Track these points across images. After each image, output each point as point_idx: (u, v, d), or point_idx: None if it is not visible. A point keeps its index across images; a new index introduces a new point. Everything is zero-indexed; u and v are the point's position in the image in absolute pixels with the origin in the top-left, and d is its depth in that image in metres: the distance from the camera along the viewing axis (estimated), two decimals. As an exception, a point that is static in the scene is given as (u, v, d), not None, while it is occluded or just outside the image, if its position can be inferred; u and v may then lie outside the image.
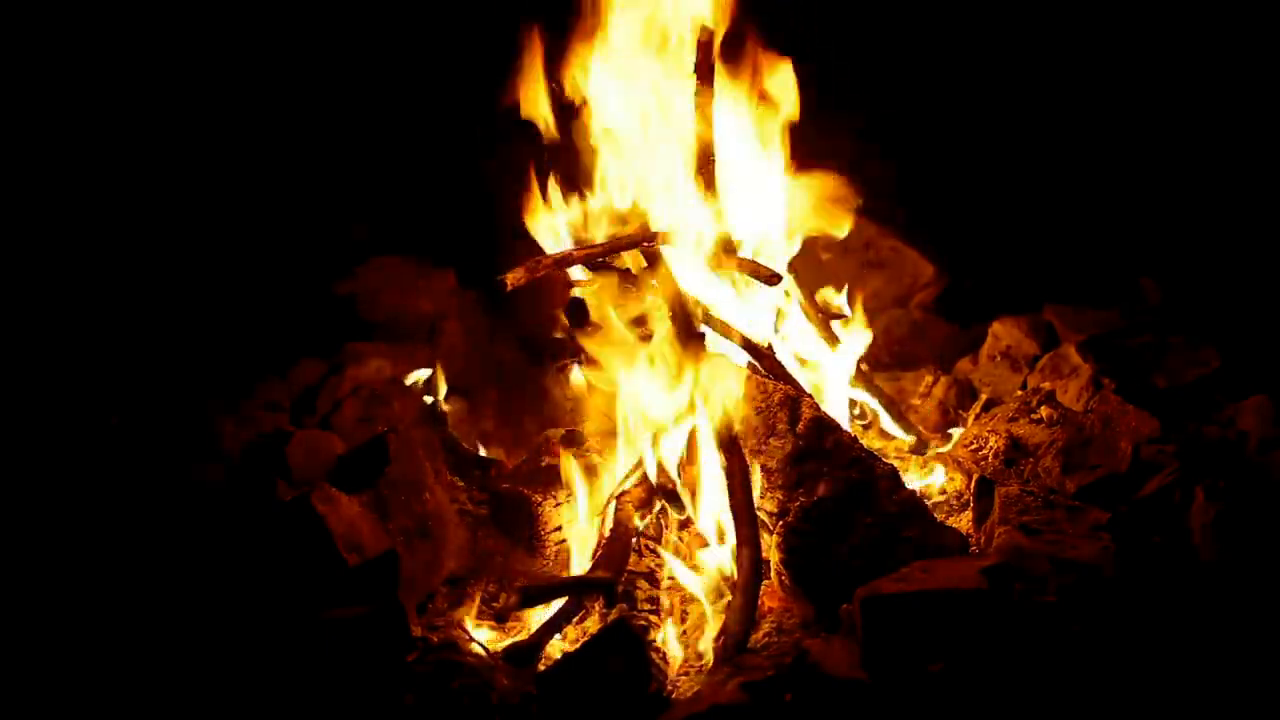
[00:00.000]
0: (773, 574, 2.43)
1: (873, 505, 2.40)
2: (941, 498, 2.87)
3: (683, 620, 2.46)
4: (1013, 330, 3.45)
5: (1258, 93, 3.92)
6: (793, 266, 3.10)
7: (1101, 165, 4.08)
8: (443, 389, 3.41)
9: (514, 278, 2.76)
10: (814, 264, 3.44)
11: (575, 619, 2.41)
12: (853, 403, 3.19)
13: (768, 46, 2.96)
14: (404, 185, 4.19)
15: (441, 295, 3.94)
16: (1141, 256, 3.75)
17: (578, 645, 2.23)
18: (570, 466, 2.73)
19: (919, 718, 1.88)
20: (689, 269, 2.88)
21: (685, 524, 2.66)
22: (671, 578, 2.56)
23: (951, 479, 2.92)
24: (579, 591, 2.42)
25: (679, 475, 2.62)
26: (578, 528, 2.66)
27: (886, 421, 3.18)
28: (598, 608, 2.42)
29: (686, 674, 2.29)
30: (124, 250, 3.87)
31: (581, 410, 3.02)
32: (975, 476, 2.72)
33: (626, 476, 2.68)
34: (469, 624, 2.43)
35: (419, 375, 3.44)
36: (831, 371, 3.12)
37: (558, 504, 2.75)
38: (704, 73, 2.82)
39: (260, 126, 4.16)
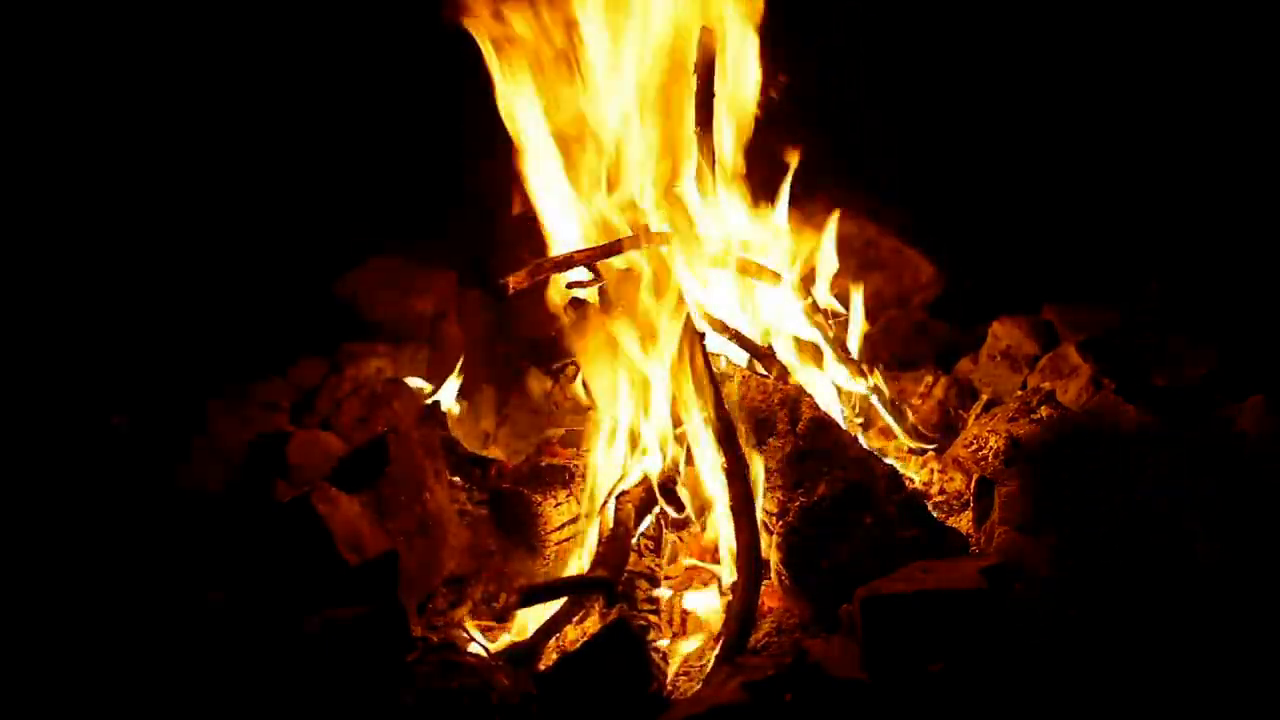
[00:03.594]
0: (773, 574, 2.43)
1: (873, 505, 2.40)
2: (941, 498, 2.87)
3: (683, 620, 2.46)
4: (1013, 330, 3.45)
5: (1258, 93, 3.92)
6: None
7: (1101, 165, 4.08)
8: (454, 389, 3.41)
9: (516, 280, 2.77)
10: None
11: (575, 619, 2.41)
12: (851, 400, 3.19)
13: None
14: (404, 185, 4.19)
15: (441, 295, 3.94)
16: (1141, 256, 3.75)
17: (578, 645, 2.23)
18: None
19: (919, 718, 1.88)
20: (690, 269, 2.88)
21: (684, 524, 2.66)
22: (674, 577, 2.56)
23: (951, 479, 2.92)
24: (579, 591, 2.42)
25: (679, 475, 2.62)
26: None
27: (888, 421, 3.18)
28: (598, 608, 2.42)
29: (686, 674, 2.29)
30: (124, 250, 3.87)
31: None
32: (975, 476, 2.71)
33: (625, 476, 2.68)
34: (469, 624, 2.42)
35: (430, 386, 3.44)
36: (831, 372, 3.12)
37: (558, 504, 2.75)
38: (704, 73, 2.82)
39: (261, 127, 4.16)
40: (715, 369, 2.73)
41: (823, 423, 2.59)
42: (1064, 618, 2.07)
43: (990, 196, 4.06)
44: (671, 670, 2.27)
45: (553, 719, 2.00)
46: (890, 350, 3.73)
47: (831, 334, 3.14)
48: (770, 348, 2.95)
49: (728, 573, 2.43)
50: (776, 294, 3.03)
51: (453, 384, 3.41)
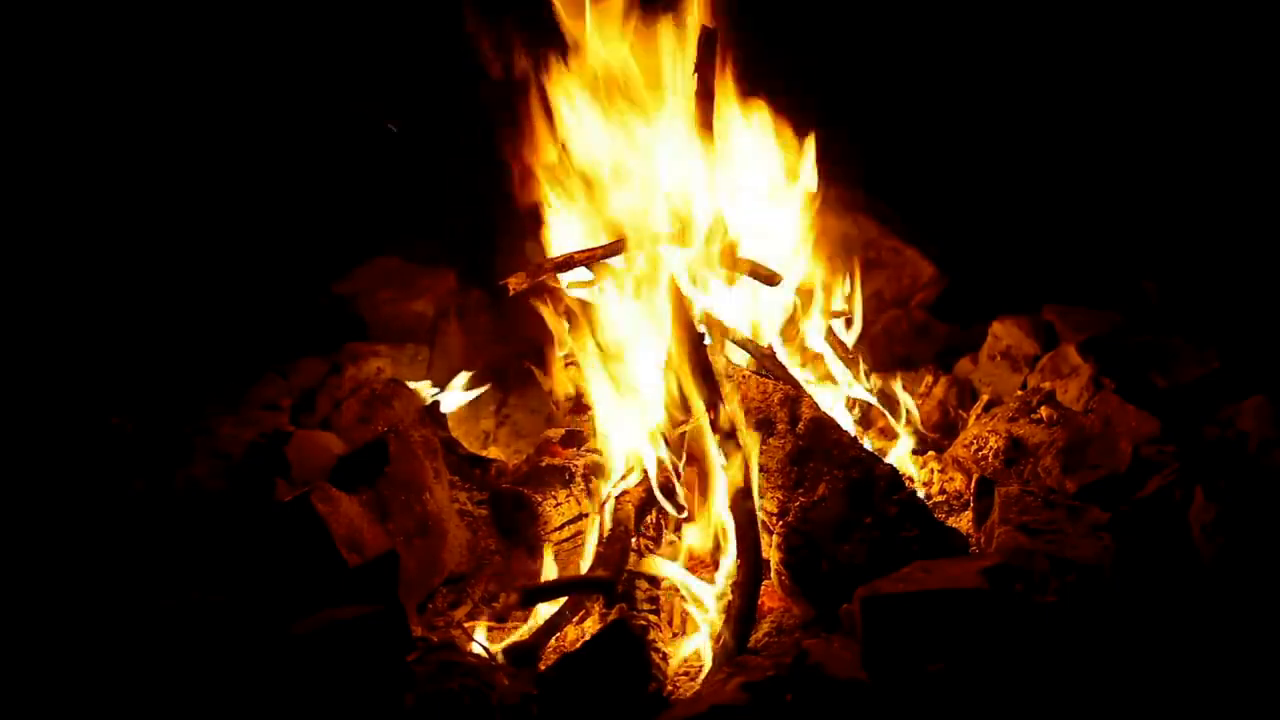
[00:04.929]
0: (773, 574, 2.43)
1: (873, 505, 2.40)
2: (941, 498, 2.87)
3: (683, 620, 2.46)
4: (1013, 330, 3.45)
5: (1257, 93, 3.92)
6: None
7: (1101, 165, 4.08)
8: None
9: (516, 282, 2.77)
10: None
11: (575, 619, 2.41)
12: (851, 401, 3.19)
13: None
14: (405, 186, 4.19)
15: (441, 295, 3.94)
16: (1141, 257, 3.75)
17: (578, 645, 2.23)
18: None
19: (919, 718, 1.88)
20: (689, 269, 2.88)
21: (685, 524, 2.66)
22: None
23: (951, 479, 2.92)
24: (579, 591, 2.42)
25: (678, 475, 2.62)
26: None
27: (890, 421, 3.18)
28: (598, 608, 2.42)
29: (686, 674, 2.29)
30: (125, 252, 3.88)
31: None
32: (975, 476, 2.72)
33: (625, 475, 2.68)
34: (469, 624, 2.42)
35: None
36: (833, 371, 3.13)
37: (558, 504, 2.75)
38: (705, 72, 2.82)
39: (261, 128, 4.16)
40: (715, 368, 2.73)
41: (823, 423, 2.59)
42: (1064, 617, 2.07)
43: (990, 197, 4.06)
44: (671, 670, 2.27)
45: (553, 719, 2.00)
46: (890, 350, 3.73)
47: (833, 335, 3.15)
48: (770, 347, 2.95)
49: (727, 572, 2.43)
50: (776, 293, 3.02)
51: (458, 386, 3.43)
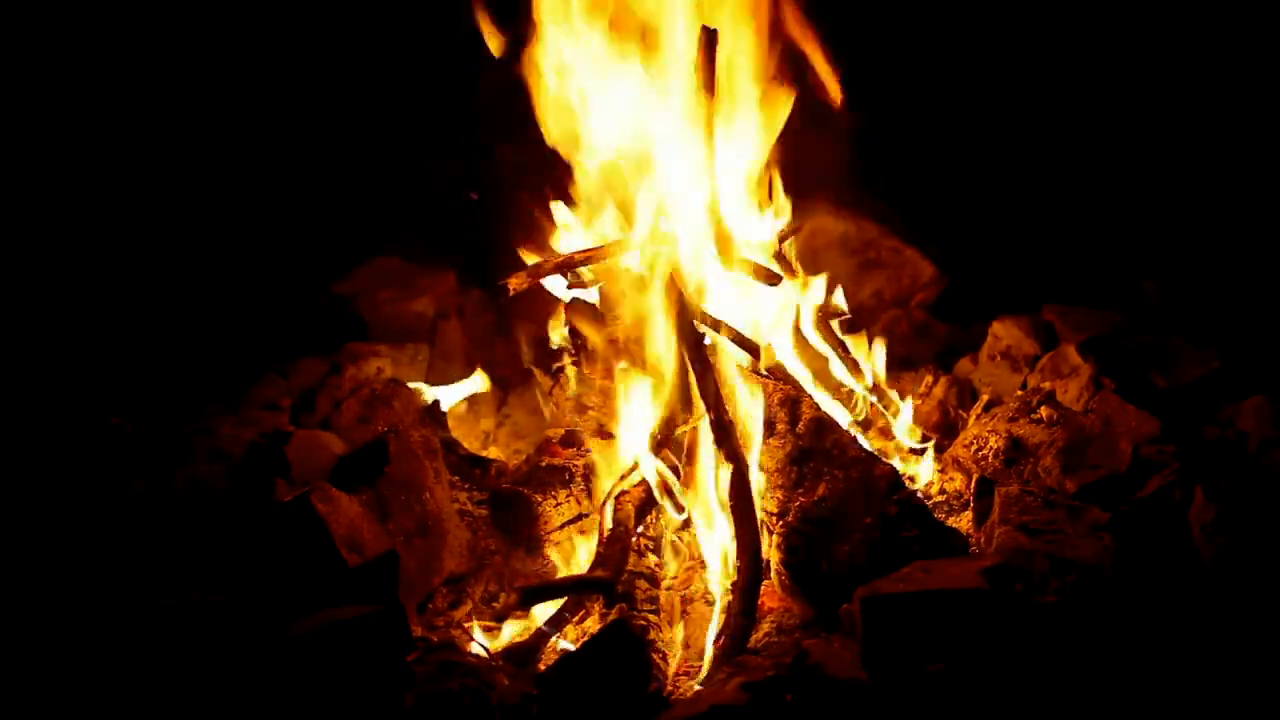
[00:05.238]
0: (773, 574, 2.43)
1: (873, 505, 2.40)
2: (941, 498, 2.87)
3: (683, 620, 2.47)
4: (1013, 330, 3.45)
5: (1257, 93, 3.92)
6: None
7: (1101, 165, 4.08)
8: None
9: (516, 282, 2.77)
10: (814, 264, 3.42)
11: (575, 619, 2.41)
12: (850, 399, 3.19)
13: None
14: (405, 185, 4.19)
15: (441, 295, 3.94)
16: (1141, 257, 3.75)
17: (578, 645, 2.23)
18: None
19: (919, 718, 1.88)
20: (689, 269, 2.88)
21: (685, 524, 2.66)
22: (674, 577, 2.57)
23: (951, 479, 2.92)
24: (579, 591, 2.42)
25: (679, 475, 2.62)
26: None
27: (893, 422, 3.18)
28: (598, 608, 2.42)
29: (686, 674, 2.29)
30: (124, 252, 3.88)
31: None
32: (975, 476, 2.72)
33: (625, 476, 2.68)
34: (469, 624, 2.42)
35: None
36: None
37: (558, 504, 2.75)
38: (706, 73, 2.82)
39: (261, 127, 4.16)
40: (716, 368, 2.73)
41: (823, 423, 2.59)
42: (1064, 617, 2.07)
43: (990, 197, 4.06)
44: (671, 670, 2.27)
45: (553, 719, 2.00)
46: (890, 350, 3.72)
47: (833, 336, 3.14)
48: (770, 347, 2.95)
49: (727, 573, 2.43)
50: (776, 293, 3.02)
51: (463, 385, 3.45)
